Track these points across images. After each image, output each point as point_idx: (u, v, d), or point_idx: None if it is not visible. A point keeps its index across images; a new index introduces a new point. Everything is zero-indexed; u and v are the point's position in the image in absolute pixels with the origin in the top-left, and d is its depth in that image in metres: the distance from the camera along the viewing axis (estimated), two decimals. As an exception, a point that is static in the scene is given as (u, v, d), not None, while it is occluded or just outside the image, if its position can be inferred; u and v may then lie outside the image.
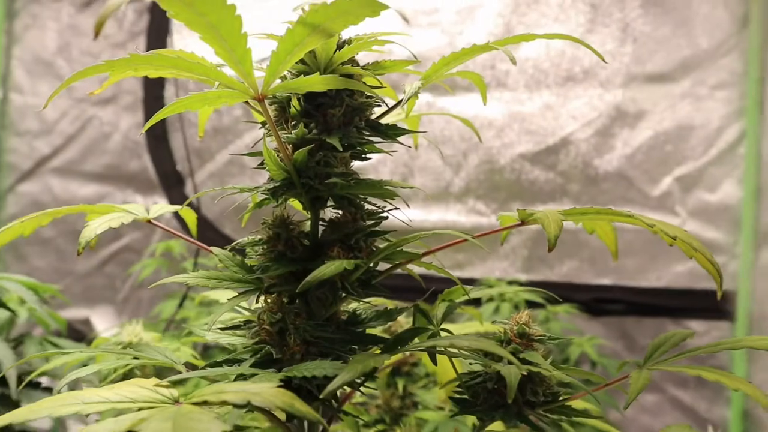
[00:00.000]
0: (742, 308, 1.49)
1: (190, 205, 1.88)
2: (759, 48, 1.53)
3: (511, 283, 1.48)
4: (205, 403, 0.37)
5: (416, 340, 0.53)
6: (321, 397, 0.40)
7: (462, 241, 0.54)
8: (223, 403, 0.35)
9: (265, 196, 0.55)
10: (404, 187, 0.53)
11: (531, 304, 1.38)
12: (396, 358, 0.70)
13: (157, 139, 1.87)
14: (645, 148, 1.58)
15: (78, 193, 1.94)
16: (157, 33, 1.87)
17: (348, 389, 0.63)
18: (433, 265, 0.59)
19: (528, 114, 1.61)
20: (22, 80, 2.01)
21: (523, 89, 1.62)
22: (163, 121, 1.89)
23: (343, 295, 0.53)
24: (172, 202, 1.82)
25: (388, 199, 0.54)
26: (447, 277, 0.56)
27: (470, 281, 1.50)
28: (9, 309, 0.89)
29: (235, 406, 0.35)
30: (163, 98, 1.87)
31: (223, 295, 0.71)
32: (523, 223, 0.56)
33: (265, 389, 0.39)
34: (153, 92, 1.88)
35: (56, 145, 1.96)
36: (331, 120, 0.53)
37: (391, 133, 0.55)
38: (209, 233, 1.78)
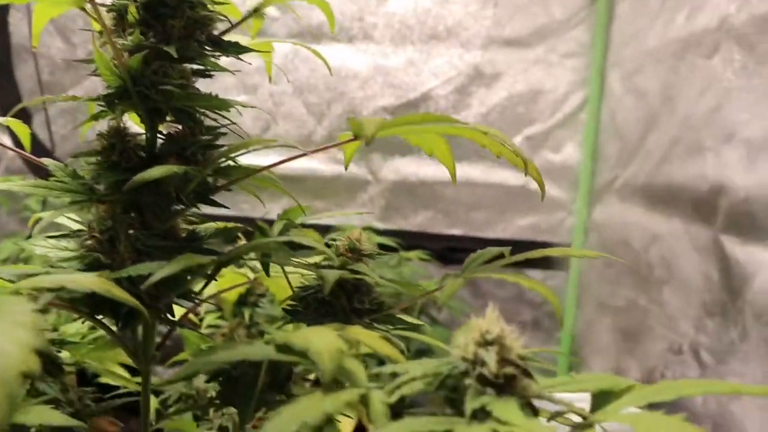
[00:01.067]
0: (575, 260, 1.64)
1: (40, 144, 1.75)
2: (604, 23, 1.65)
3: (366, 229, 1.53)
4: (17, 293, 0.37)
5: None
6: (143, 287, 0.41)
7: (299, 156, 0.56)
8: (36, 289, 0.35)
9: (101, 108, 0.54)
10: (245, 106, 0.54)
11: (386, 249, 1.44)
12: (238, 281, 0.72)
13: (0, 69, 1.73)
14: (499, 108, 1.67)
15: None
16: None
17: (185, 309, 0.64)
18: (275, 183, 0.61)
19: (392, 68, 1.64)
20: None
21: (388, 43, 1.65)
22: (7, 51, 1.75)
23: (180, 207, 0.54)
24: (16, 139, 1.70)
25: (225, 113, 0.55)
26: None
27: (327, 228, 1.54)
28: None
29: (50, 290, 0.35)
30: (8, 24, 1.73)
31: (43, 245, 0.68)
32: (356, 137, 0.59)
33: (82, 277, 0.39)
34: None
35: None
36: (170, 31, 0.52)
37: (233, 49, 0.56)
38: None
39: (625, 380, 0.40)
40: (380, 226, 1.64)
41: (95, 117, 0.55)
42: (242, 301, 0.88)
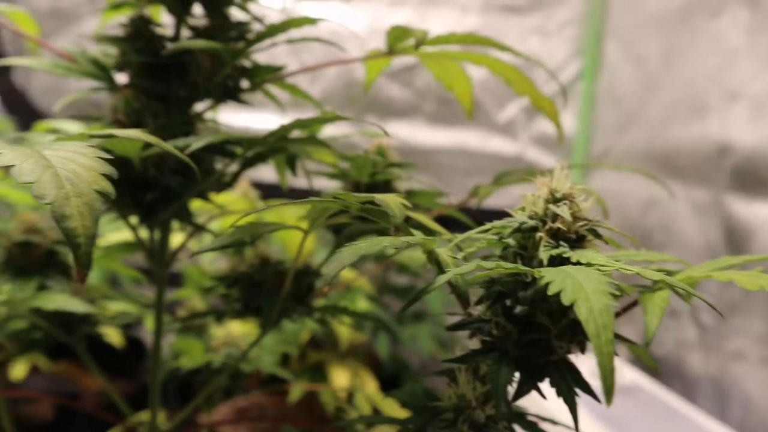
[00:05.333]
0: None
1: (16, 92, 1.69)
2: (602, -6, 1.65)
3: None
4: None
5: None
6: (187, 152, 0.38)
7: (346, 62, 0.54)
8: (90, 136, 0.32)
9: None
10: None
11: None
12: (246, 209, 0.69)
13: (-16, 17, 1.66)
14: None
15: None
16: None
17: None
18: (297, 88, 0.59)
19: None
20: None
21: (386, 4, 1.63)
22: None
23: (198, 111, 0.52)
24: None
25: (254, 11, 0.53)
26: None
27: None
28: None
29: (95, 136, 0.32)
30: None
31: (72, 126, 0.65)
32: (391, 52, 0.57)
33: (131, 131, 0.37)
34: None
35: None
36: None
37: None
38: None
39: (681, 261, 0.39)
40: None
41: (117, 6, 0.53)
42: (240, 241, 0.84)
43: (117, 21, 0.59)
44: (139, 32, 0.50)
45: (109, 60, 0.51)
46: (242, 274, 0.52)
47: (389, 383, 1.24)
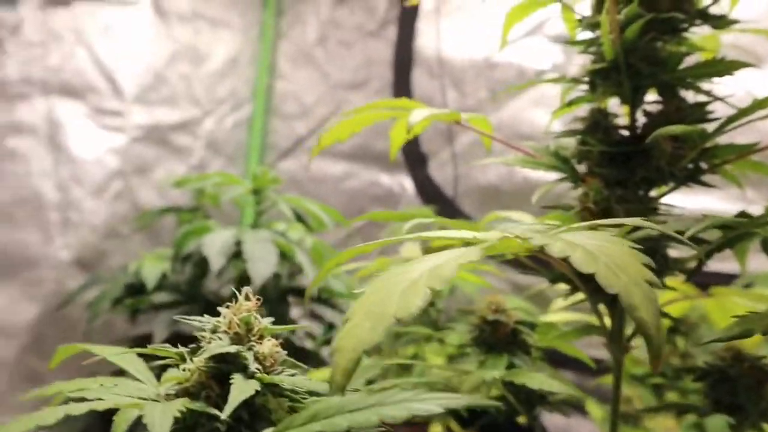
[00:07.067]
0: None
1: (432, 185, 1.88)
2: None
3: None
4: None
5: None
6: (688, 234, 0.38)
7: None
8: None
9: (576, 93, 0.55)
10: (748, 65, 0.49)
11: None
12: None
13: (403, 119, 1.95)
14: None
15: (329, 170, 2.09)
16: (406, 20, 1.96)
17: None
18: (765, 166, 0.54)
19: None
20: (285, 69, 2.24)
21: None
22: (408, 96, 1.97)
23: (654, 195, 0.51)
24: (416, 181, 1.90)
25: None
26: None
27: None
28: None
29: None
30: (410, 83, 1.96)
31: (518, 215, 0.70)
32: None
33: (608, 242, 0.38)
34: (401, 77, 1.98)
35: (312, 127, 2.14)
36: (658, 2, 0.50)
37: (720, 23, 0.52)
38: (447, 211, 1.82)
39: None
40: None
41: (570, 104, 0.56)
42: (674, 328, 0.79)
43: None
44: (598, 124, 0.52)
45: (566, 152, 0.54)
46: (713, 367, 0.48)
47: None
